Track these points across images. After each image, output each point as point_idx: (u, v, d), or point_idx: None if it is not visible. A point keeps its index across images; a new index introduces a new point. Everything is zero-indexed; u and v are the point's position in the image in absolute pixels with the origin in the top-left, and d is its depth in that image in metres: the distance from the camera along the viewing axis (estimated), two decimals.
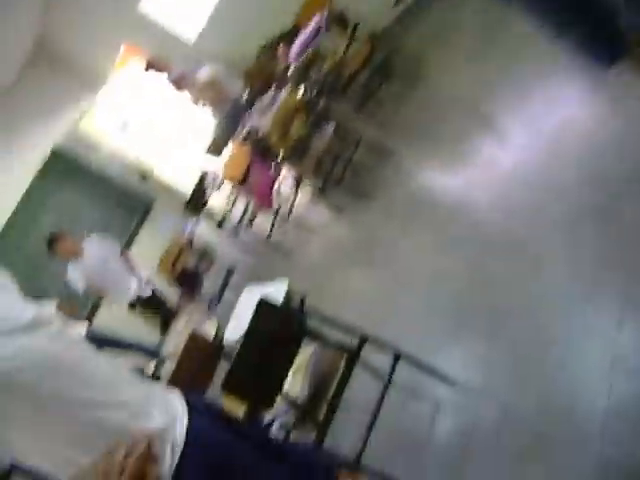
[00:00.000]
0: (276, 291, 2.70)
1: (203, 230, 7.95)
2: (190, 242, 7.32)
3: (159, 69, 7.25)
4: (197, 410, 1.55)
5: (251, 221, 6.64)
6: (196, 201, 7.48)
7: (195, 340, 3.41)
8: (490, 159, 3.52)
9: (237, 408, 2.36)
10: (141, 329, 6.85)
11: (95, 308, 8.93)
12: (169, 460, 1.37)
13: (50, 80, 9.47)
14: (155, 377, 4.37)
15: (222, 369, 3.09)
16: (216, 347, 3.32)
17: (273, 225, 6.22)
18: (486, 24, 4.46)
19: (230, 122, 7.05)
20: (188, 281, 7.11)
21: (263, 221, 6.54)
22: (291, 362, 2.39)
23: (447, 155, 4.05)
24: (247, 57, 7.38)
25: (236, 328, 3.01)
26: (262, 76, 7.02)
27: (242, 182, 5.62)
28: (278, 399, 2.36)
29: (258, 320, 2.34)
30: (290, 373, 2.42)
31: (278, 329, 2.36)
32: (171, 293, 7.42)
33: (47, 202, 9.75)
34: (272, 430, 2.59)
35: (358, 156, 5.11)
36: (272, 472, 1.58)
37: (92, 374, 1.43)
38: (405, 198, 4.24)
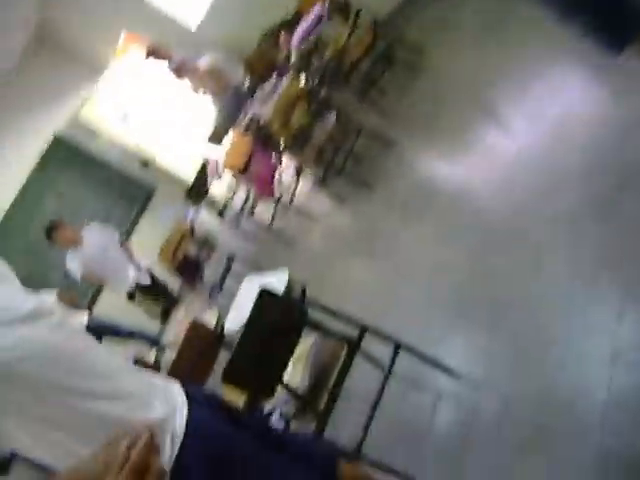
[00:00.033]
0: (277, 281, 2.70)
1: (204, 218, 7.94)
2: (191, 230, 7.31)
3: (160, 57, 7.21)
4: (197, 401, 1.55)
5: (252, 210, 6.64)
6: (197, 189, 7.47)
7: (196, 329, 3.41)
8: (493, 149, 3.51)
9: (237, 398, 2.36)
10: (141, 318, 6.85)
11: (95, 297, 8.95)
12: (169, 451, 1.37)
13: (51, 67, 9.44)
14: (156, 365, 4.37)
15: (223, 358, 3.10)
16: (217, 336, 3.32)
17: (274, 214, 6.21)
18: (489, 10, 4.43)
19: (231, 110, 7.02)
20: (189, 270, 7.11)
21: (264, 210, 6.53)
22: (292, 352, 2.39)
23: (449, 145, 4.04)
24: (249, 45, 7.34)
25: (237, 318, 3.01)
26: (263, 64, 6.99)
27: (243, 171, 5.60)
28: (278, 389, 2.36)
29: (259, 310, 2.34)
30: (291, 363, 2.42)
31: (279, 319, 2.36)
32: (172, 281, 7.43)
33: (48, 190, 9.75)
34: (272, 420, 2.59)
35: (360, 145, 5.09)
36: (272, 462, 1.57)
37: (93, 365, 1.43)
38: (407, 188, 4.23)
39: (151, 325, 6.77)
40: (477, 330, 2.81)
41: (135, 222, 9.98)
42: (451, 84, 4.39)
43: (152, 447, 0.75)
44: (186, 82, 7.28)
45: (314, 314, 2.61)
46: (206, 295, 6.92)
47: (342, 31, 5.52)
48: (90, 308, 7.69)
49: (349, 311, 2.78)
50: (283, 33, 6.32)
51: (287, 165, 6.30)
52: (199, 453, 1.42)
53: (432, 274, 3.35)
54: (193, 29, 8.26)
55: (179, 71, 7.14)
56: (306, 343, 2.67)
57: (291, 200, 5.96)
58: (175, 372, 3.25)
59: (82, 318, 5.20)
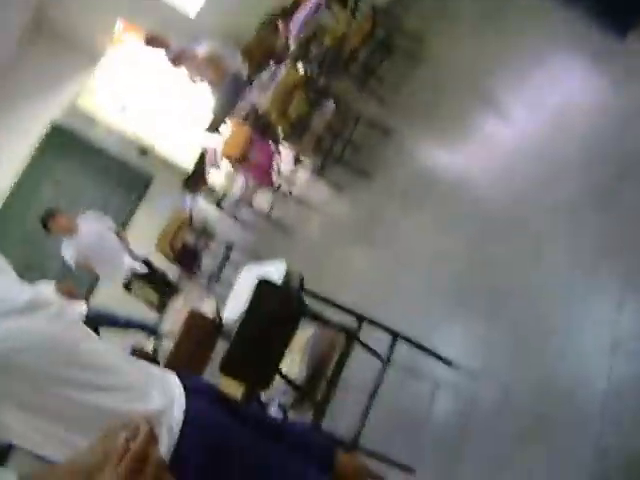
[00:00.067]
0: (275, 271, 2.69)
1: (202, 207, 7.93)
2: (189, 219, 7.29)
3: (157, 45, 7.18)
4: (195, 391, 1.54)
5: (250, 198, 6.62)
6: (196, 178, 7.45)
7: (194, 318, 3.40)
8: (492, 137, 3.49)
9: (235, 389, 2.36)
10: (139, 307, 6.85)
11: (93, 287, 8.94)
12: (167, 441, 1.37)
13: (49, 55, 9.40)
14: (154, 355, 4.37)
15: (220, 348, 3.09)
16: (215, 325, 3.32)
17: (273, 203, 6.20)
18: None
19: (229, 98, 6.99)
20: (187, 259, 7.10)
21: (263, 199, 6.52)
22: (289, 342, 2.38)
23: (449, 133, 4.02)
24: (247, 33, 7.30)
25: (235, 307, 3.00)
26: (262, 52, 6.96)
27: (241, 159, 5.58)
28: (276, 379, 2.36)
29: (257, 300, 2.33)
30: (288, 353, 2.41)
31: (277, 309, 2.35)
32: (170, 270, 7.42)
33: (45, 178, 9.73)
34: (270, 410, 2.59)
35: (358, 134, 5.07)
36: (270, 452, 1.57)
37: (90, 356, 1.42)
38: (406, 177, 4.22)
39: (149, 314, 6.77)
40: (476, 319, 2.80)
41: (133, 210, 9.96)
42: (450, 73, 4.37)
43: (151, 437, 0.75)
44: (184, 71, 7.25)
45: (312, 304, 2.61)
46: (204, 284, 6.91)
47: (341, 19, 5.49)
48: (87, 298, 7.69)
49: (348, 300, 2.77)
50: (281, 21, 6.28)
51: (285, 154, 6.28)
52: (197, 443, 1.42)
53: (432, 263, 3.35)
54: (192, 16, 8.21)
55: (177, 60, 7.11)
56: (304, 333, 2.66)
57: (290, 189, 5.95)
58: (173, 361, 3.25)
59: (81, 308, 5.18)
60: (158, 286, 6.94)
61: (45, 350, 1.33)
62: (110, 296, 7.20)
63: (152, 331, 5.95)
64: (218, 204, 7.09)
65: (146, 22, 8.21)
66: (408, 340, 2.69)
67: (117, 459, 0.71)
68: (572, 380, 2.14)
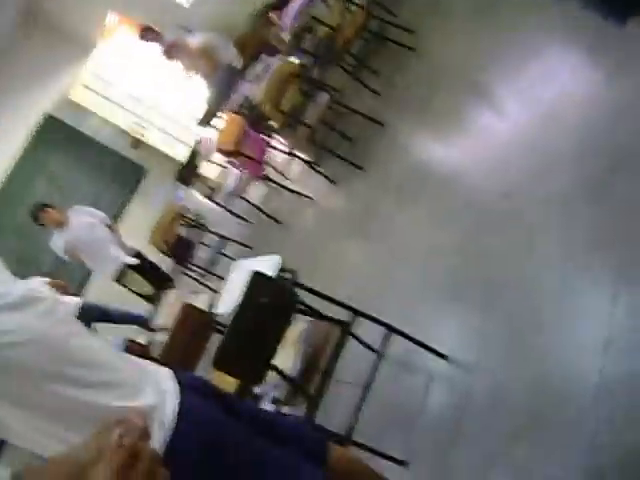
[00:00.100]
0: (268, 265, 2.69)
1: (196, 200, 7.91)
2: (183, 212, 7.28)
3: (151, 38, 7.15)
4: (188, 387, 1.54)
5: (244, 191, 6.60)
6: (189, 170, 7.42)
7: (188, 311, 3.40)
8: (486, 131, 3.49)
9: (228, 383, 2.36)
10: (132, 300, 6.84)
11: (86, 281, 8.93)
12: (161, 437, 1.37)
13: (41, 46, 9.35)
14: (148, 348, 4.37)
15: (214, 342, 3.09)
16: (209, 319, 3.32)
17: (266, 195, 6.19)
18: None
19: (223, 90, 6.97)
20: (181, 251, 7.09)
21: (256, 191, 6.50)
22: (283, 335, 2.38)
23: (443, 127, 4.02)
24: (241, 24, 7.27)
25: (228, 301, 3.00)
26: (255, 43, 6.93)
27: (235, 151, 5.56)
28: (270, 373, 2.36)
29: (251, 293, 2.33)
30: (282, 347, 2.41)
31: (270, 302, 2.34)
32: (164, 263, 7.40)
33: (39, 170, 9.68)
34: (264, 404, 2.59)
35: (353, 126, 5.06)
36: (264, 447, 1.57)
37: (83, 353, 1.42)
38: (400, 170, 4.21)
39: (142, 307, 6.76)
40: (470, 312, 2.80)
41: (126, 203, 9.94)
42: (444, 67, 4.36)
43: (144, 432, 0.74)
44: (178, 63, 7.23)
45: (306, 297, 2.61)
46: (198, 277, 6.91)
47: (335, 10, 5.47)
48: (80, 293, 7.68)
49: (343, 293, 2.77)
50: (275, 12, 6.25)
51: (279, 146, 6.26)
52: (192, 439, 1.42)
53: (426, 256, 3.35)
54: (186, 4, 8.17)
55: (170, 51, 7.08)
56: (298, 327, 2.66)
57: (283, 181, 5.93)
58: (167, 355, 3.25)
59: (74, 303, 5.15)
60: (152, 277, 6.94)
61: (36, 346, 1.33)
62: (103, 290, 7.20)
63: (146, 324, 5.94)
64: (211, 196, 7.08)
65: (140, 13, 8.17)
66: (402, 334, 2.69)
67: (110, 455, 0.71)
68: (566, 375, 2.15)
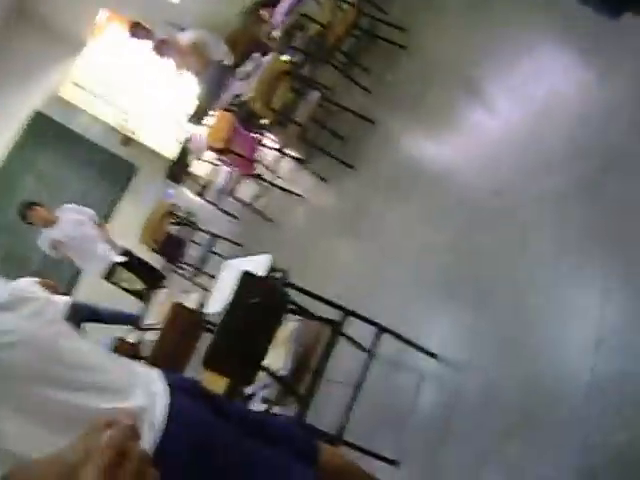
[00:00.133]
0: (258, 264, 2.67)
1: (186, 197, 7.88)
2: (173, 209, 7.25)
3: (141, 35, 7.12)
4: (179, 388, 1.53)
5: (235, 189, 6.58)
6: (179, 168, 7.40)
7: (178, 311, 3.39)
8: (478, 128, 3.49)
9: (218, 384, 2.34)
10: (122, 299, 6.82)
11: (75, 281, 8.89)
12: (151, 439, 1.35)
13: (31, 43, 9.30)
14: (138, 347, 4.35)
15: (204, 341, 3.08)
16: (199, 318, 3.30)
17: (257, 193, 6.17)
18: None
19: (213, 87, 6.94)
20: (171, 249, 7.06)
21: (247, 189, 6.48)
22: (273, 335, 2.37)
23: (435, 124, 4.01)
24: (232, 20, 7.25)
25: (218, 301, 2.98)
26: (246, 41, 6.91)
27: (225, 149, 5.54)
28: (260, 373, 2.35)
29: (241, 293, 2.31)
30: (273, 346, 2.40)
31: (261, 302, 2.33)
32: (154, 261, 7.38)
33: (28, 167, 9.63)
34: (254, 403, 2.58)
35: (344, 124, 5.05)
36: (254, 449, 1.56)
37: (72, 355, 1.40)
38: (392, 168, 4.20)
39: (132, 306, 6.74)
40: (462, 311, 2.80)
41: (117, 201, 9.90)
42: (436, 63, 4.35)
43: (132, 432, 0.73)
44: (169, 61, 7.19)
45: (297, 296, 2.60)
46: (188, 275, 6.88)
47: (325, 7, 5.46)
48: (69, 293, 7.65)
49: (334, 292, 2.76)
50: (265, 9, 6.23)
51: (270, 143, 6.25)
52: (181, 440, 1.41)
53: (417, 254, 3.34)
54: (177, 1, 8.14)
55: (161, 49, 7.05)
56: (288, 326, 2.65)
57: (274, 179, 5.92)
58: (157, 354, 3.23)
59: (64, 303, 5.11)
60: (143, 274, 6.92)
61: (25, 347, 1.31)
62: (94, 288, 7.16)
63: (136, 323, 5.92)
64: (202, 194, 7.05)
65: (130, 10, 8.13)
66: (393, 333, 2.68)
67: (99, 454, 0.70)
68: (557, 374, 2.15)
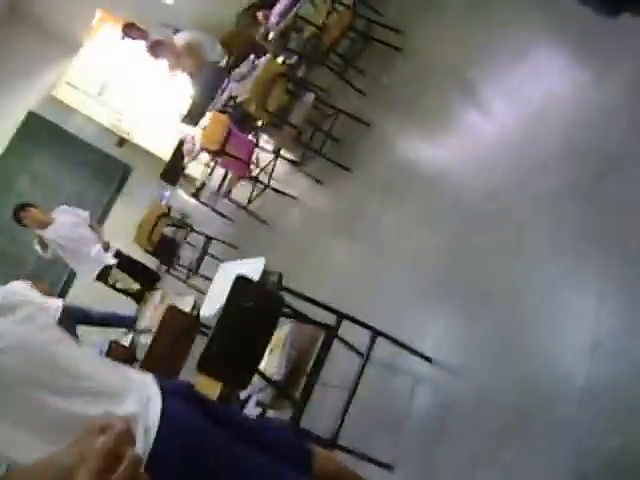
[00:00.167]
0: (253, 268, 2.66)
1: (181, 199, 7.87)
2: (168, 211, 7.23)
3: (136, 36, 7.11)
4: (172, 393, 1.53)
5: (229, 190, 6.57)
6: (174, 169, 7.38)
7: (173, 313, 3.38)
8: (474, 130, 3.48)
9: (212, 388, 2.33)
10: (116, 301, 6.81)
11: (69, 283, 8.86)
12: (144, 443, 1.35)
13: (26, 45, 9.27)
14: (131, 349, 4.34)
15: (198, 344, 3.07)
16: (193, 321, 3.29)
17: (252, 195, 6.16)
18: None
19: (208, 89, 6.93)
20: (165, 251, 7.04)
21: (242, 190, 6.47)
22: (268, 339, 2.36)
23: (431, 126, 4.01)
24: (227, 22, 7.24)
25: (212, 304, 2.97)
26: (241, 42, 6.89)
27: (220, 150, 5.53)
28: (255, 377, 2.34)
29: (235, 297, 2.30)
30: (267, 350, 2.39)
31: (255, 306, 2.32)
32: (149, 263, 7.36)
33: (23, 168, 9.60)
34: (247, 408, 2.57)
35: (339, 126, 5.05)
36: (247, 454, 1.56)
37: (65, 360, 1.39)
38: (387, 169, 4.20)
39: (127, 307, 6.72)
40: (457, 314, 2.80)
41: (111, 202, 9.87)
42: (433, 65, 4.35)
43: (126, 436, 0.74)
44: (164, 62, 7.18)
45: (291, 300, 2.59)
46: (183, 277, 6.87)
47: (321, 9, 5.45)
48: (63, 294, 7.64)
49: (329, 294, 2.76)
50: (261, 11, 6.23)
51: (265, 145, 6.24)
52: (174, 445, 1.40)
53: (413, 256, 3.34)
54: (171, 2, 8.13)
55: (155, 50, 7.04)
56: (283, 330, 2.64)
57: (269, 181, 5.91)
58: (151, 356, 3.22)
59: (57, 306, 5.10)
60: (137, 274, 6.91)
61: (16, 352, 1.30)
62: (89, 290, 7.15)
63: (130, 325, 5.91)
64: (197, 196, 7.04)
65: (125, 11, 8.11)
66: (388, 337, 2.68)
67: (91, 458, 0.70)
68: (552, 377, 2.14)
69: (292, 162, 5.66)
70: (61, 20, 9.16)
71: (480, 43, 3.84)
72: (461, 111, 3.70)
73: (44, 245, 6.35)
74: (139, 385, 1.49)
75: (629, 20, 2.04)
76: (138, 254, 7.12)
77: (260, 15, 6.20)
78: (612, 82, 2.61)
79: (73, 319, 5.21)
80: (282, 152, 5.82)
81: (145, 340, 3.68)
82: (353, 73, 5.27)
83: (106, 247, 6.69)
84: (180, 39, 7.04)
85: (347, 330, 2.64)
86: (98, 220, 7.69)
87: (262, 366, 2.35)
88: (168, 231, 7.23)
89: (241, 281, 2.31)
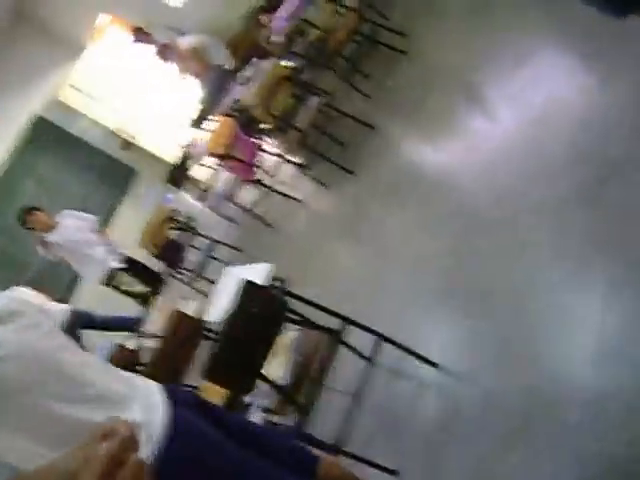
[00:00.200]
0: (258, 273, 2.66)
1: (186, 202, 7.87)
2: (173, 214, 7.24)
3: (143, 40, 7.13)
4: (177, 401, 1.53)
5: (235, 194, 6.58)
6: (180, 172, 7.39)
7: (178, 317, 3.37)
8: (478, 134, 3.48)
9: (217, 394, 2.33)
10: (122, 305, 6.81)
11: (75, 285, 8.86)
12: (148, 450, 1.35)
13: (32, 47, 9.29)
14: (137, 353, 4.34)
15: (203, 349, 3.06)
16: (198, 326, 3.29)
17: (257, 198, 6.16)
18: None
19: (214, 92, 6.94)
20: (171, 254, 7.05)
21: (247, 194, 6.48)
22: (272, 344, 2.35)
23: (434, 130, 4.00)
24: (233, 25, 7.25)
25: (218, 309, 2.97)
26: (247, 46, 6.91)
27: (226, 154, 5.54)
28: (260, 383, 2.33)
29: (242, 303, 2.30)
30: (272, 356, 2.39)
31: (261, 312, 2.32)
32: (154, 266, 7.36)
33: (28, 172, 9.61)
34: (253, 413, 2.57)
35: (344, 130, 5.05)
36: (252, 461, 1.56)
37: (71, 368, 1.39)
38: (392, 173, 4.20)
39: (132, 310, 6.72)
40: (462, 318, 2.79)
41: (117, 205, 9.88)
42: (437, 69, 4.34)
43: (129, 441, 0.74)
44: (172, 65, 7.20)
45: (296, 305, 2.58)
46: (188, 280, 6.87)
47: (326, 13, 5.45)
48: (67, 299, 7.65)
49: (334, 297, 2.75)
50: (266, 14, 6.23)
51: (270, 149, 6.24)
52: (179, 452, 1.41)
53: (417, 260, 3.33)
54: (179, 4, 8.14)
55: (164, 53, 7.06)
56: (288, 335, 2.64)
57: (274, 184, 5.91)
58: (157, 361, 3.22)
59: (61, 309, 5.10)
60: (143, 277, 6.91)
61: (21, 360, 1.30)
62: (94, 293, 7.15)
63: (135, 329, 5.90)
64: (202, 199, 7.04)
65: (131, 15, 8.13)
66: (393, 342, 2.67)
67: (95, 463, 0.70)
68: (557, 382, 2.14)
69: (297, 165, 5.66)
70: (66, 23, 9.18)
71: (482, 48, 3.83)
72: (466, 115, 3.70)
73: (46, 247, 6.35)
74: (144, 392, 1.49)
75: (634, 23, 2.04)
76: (142, 257, 7.12)
77: (265, 18, 6.21)
78: (614, 87, 2.60)
79: (78, 324, 5.22)
80: (287, 155, 5.82)
81: (150, 344, 3.68)
82: (358, 76, 5.27)
83: (112, 250, 6.69)
84: (185, 43, 7.05)
85: (352, 335, 2.63)
86: (103, 223, 7.67)
87: (268, 371, 2.35)
88: (173, 234, 7.23)
89: (249, 287, 2.31)
